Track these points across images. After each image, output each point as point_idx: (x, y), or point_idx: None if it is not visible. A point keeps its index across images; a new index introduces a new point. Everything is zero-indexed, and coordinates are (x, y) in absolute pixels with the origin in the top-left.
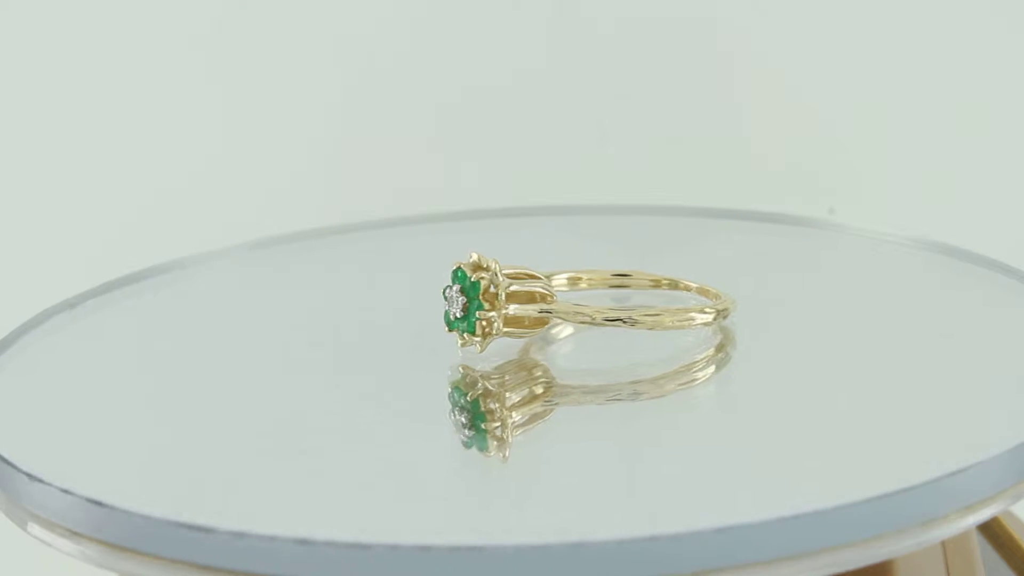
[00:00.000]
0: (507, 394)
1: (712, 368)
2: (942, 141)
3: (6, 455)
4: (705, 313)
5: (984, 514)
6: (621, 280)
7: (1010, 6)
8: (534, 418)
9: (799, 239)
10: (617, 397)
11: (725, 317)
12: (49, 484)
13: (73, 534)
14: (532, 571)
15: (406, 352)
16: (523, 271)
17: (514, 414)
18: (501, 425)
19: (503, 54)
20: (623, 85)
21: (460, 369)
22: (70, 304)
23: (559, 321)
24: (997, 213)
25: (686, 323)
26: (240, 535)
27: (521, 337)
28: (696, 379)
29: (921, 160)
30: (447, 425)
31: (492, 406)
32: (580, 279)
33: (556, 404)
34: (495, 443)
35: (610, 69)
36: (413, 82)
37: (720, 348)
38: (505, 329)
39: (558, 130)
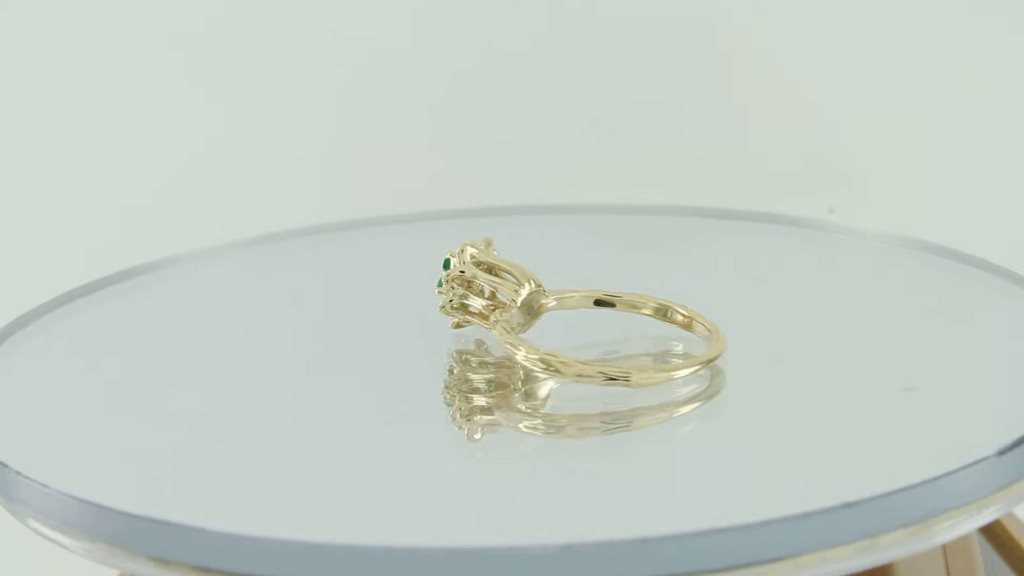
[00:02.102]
0: (469, 375)
1: (704, 367)
2: (942, 142)
3: (2, 457)
4: (675, 368)
5: (985, 516)
6: (609, 298)
7: (1010, 6)
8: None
9: (797, 239)
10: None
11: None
12: (45, 485)
13: (71, 535)
14: (527, 571)
15: (404, 350)
16: (509, 269)
17: (470, 397)
18: (456, 406)
19: (502, 53)
20: (623, 85)
21: (473, 344)
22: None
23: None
24: (996, 215)
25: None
26: (238, 536)
27: (489, 330)
28: (689, 378)
29: (921, 160)
30: (443, 424)
31: (450, 385)
32: (568, 297)
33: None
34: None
35: (610, 69)
36: (412, 81)
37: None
38: (462, 315)
39: (558, 129)
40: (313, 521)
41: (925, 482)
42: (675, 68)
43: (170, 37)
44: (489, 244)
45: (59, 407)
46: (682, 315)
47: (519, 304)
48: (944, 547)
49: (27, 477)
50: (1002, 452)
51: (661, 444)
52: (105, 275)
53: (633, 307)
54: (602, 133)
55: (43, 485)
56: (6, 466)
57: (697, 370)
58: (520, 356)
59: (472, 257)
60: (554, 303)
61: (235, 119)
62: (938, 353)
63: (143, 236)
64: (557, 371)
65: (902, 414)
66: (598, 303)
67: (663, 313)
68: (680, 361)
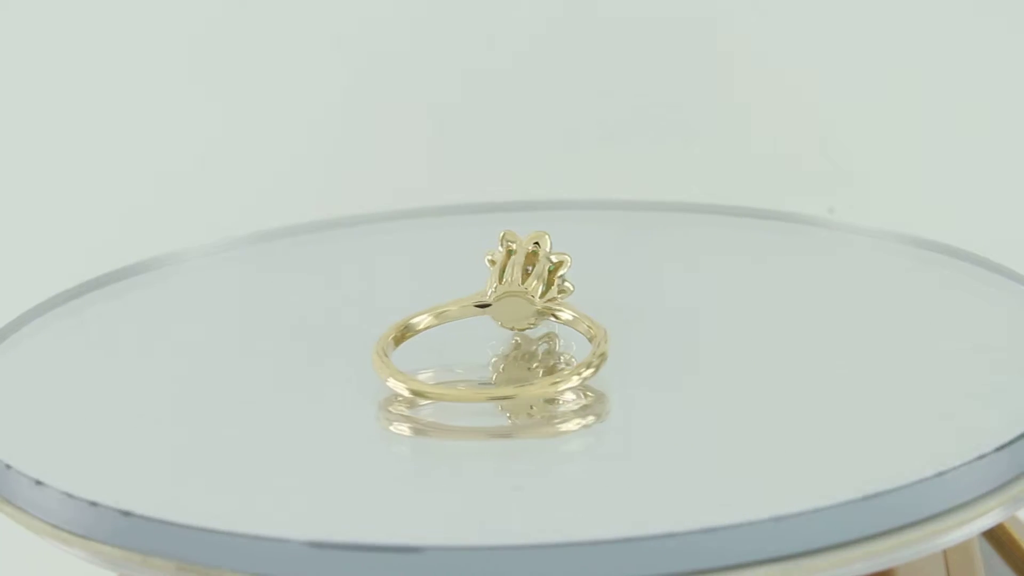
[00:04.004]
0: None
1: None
2: (941, 141)
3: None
4: (567, 378)
5: (986, 519)
6: (487, 301)
7: (1010, 6)
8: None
9: (795, 237)
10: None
11: (597, 369)
12: (46, 485)
13: (70, 535)
14: (513, 571)
15: (405, 348)
16: (506, 266)
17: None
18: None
19: (503, 53)
20: (624, 84)
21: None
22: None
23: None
24: (996, 214)
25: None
26: (239, 536)
27: None
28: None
29: (920, 160)
30: (440, 424)
31: None
32: (446, 311)
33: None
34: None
35: (611, 68)
36: (412, 81)
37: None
38: None
39: (559, 128)
40: (316, 522)
41: (921, 481)
42: (675, 68)
43: (170, 37)
44: (537, 239)
45: (59, 406)
46: (568, 315)
47: (489, 301)
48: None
49: (25, 475)
50: (1000, 449)
51: (653, 435)
52: (105, 274)
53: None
54: (602, 132)
55: (39, 482)
56: (8, 467)
57: (580, 379)
58: (390, 384)
59: (507, 246)
60: (433, 317)
61: (235, 118)
62: (936, 350)
63: (143, 236)
64: (426, 397)
65: (900, 413)
66: (479, 306)
67: (546, 314)
68: (567, 369)
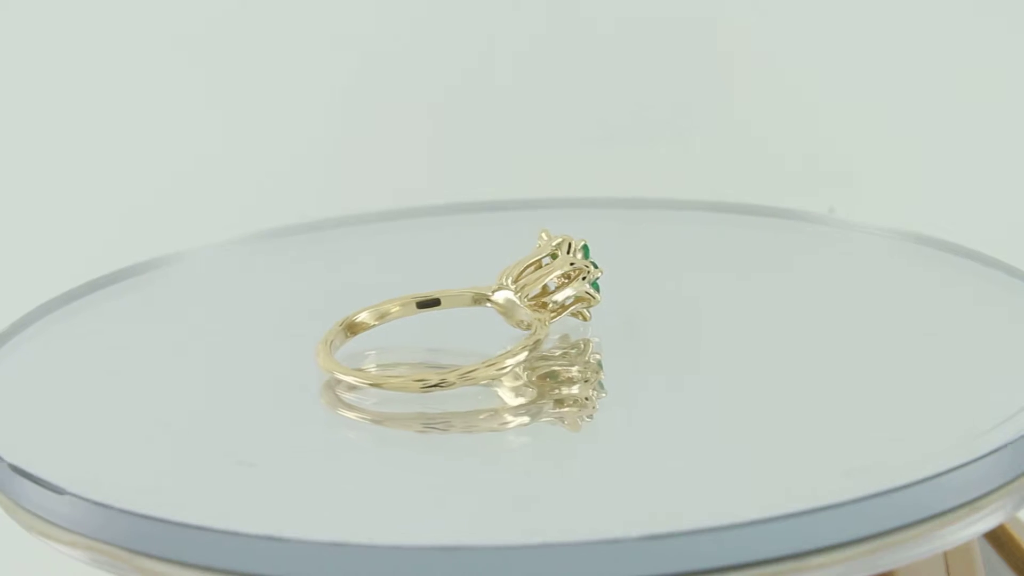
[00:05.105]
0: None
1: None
2: (942, 141)
3: (3, 455)
4: (510, 357)
5: (986, 519)
6: (430, 298)
7: (1010, 6)
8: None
9: (795, 234)
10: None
11: (536, 349)
12: (47, 484)
13: (70, 534)
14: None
15: (409, 347)
16: (555, 273)
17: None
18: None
19: (503, 53)
20: (623, 84)
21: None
22: None
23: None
24: (997, 211)
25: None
26: (240, 535)
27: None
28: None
29: (921, 159)
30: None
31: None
32: (387, 311)
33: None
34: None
35: (611, 68)
36: (410, 80)
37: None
38: None
39: (559, 128)
40: (317, 521)
41: (921, 481)
42: (675, 68)
43: (170, 37)
44: (568, 242)
45: (60, 407)
46: (500, 304)
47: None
48: None
49: (27, 474)
50: (1000, 449)
51: (653, 437)
52: (105, 274)
53: (457, 301)
54: (602, 132)
55: (43, 485)
56: (12, 467)
57: (515, 363)
58: (344, 378)
59: (540, 246)
60: (372, 315)
61: (235, 118)
62: (937, 348)
63: (143, 235)
64: (379, 386)
65: (899, 411)
66: (421, 305)
67: (481, 301)
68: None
